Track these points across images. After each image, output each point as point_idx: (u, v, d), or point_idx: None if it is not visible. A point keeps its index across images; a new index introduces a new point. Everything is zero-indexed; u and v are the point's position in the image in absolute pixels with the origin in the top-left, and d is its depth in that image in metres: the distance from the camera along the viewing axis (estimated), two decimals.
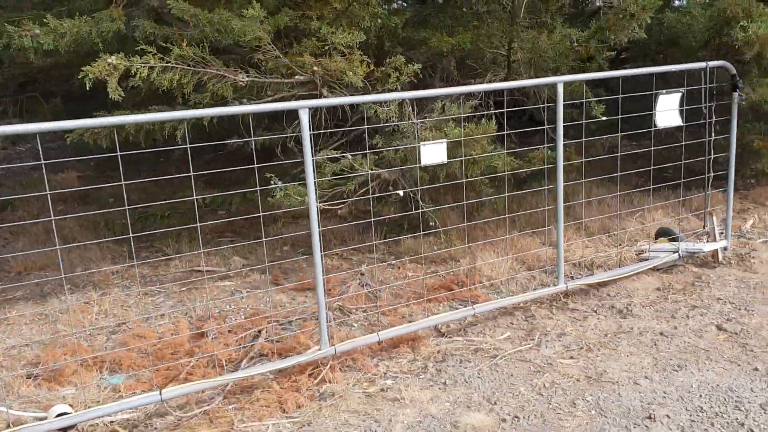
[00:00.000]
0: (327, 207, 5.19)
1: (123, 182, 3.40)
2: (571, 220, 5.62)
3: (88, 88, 3.69)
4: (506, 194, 4.72)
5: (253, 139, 4.19)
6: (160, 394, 3.45)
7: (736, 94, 4.93)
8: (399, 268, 5.40)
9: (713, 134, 5.10)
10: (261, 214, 3.95)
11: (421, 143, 3.87)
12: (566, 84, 4.70)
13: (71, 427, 3.35)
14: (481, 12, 5.16)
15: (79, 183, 8.22)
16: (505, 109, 4.24)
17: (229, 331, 4.65)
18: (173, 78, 3.97)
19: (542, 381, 3.65)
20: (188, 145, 3.39)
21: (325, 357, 3.88)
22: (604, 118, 5.22)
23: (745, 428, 3.15)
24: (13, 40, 3.73)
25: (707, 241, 5.24)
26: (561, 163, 4.33)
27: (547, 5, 5.24)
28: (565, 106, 4.24)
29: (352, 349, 4.00)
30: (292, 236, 6.02)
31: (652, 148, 5.14)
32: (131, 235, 3.71)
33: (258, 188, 3.95)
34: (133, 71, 3.86)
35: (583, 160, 4.76)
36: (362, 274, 5.27)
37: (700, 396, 3.43)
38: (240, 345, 4.32)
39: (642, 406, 3.37)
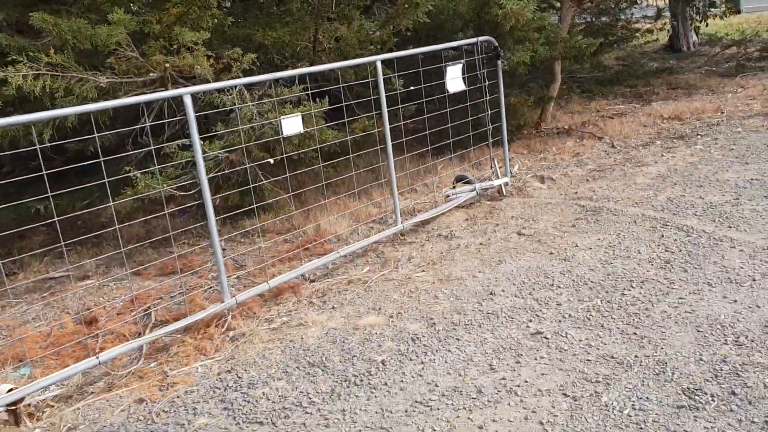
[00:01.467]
0: (177, 193, 5.69)
1: None
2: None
3: None
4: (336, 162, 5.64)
5: (97, 135, 4.61)
6: (98, 357, 3.87)
7: (499, 61, 6.36)
8: (250, 243, 6.07)
9: (487, 95, 6.49)
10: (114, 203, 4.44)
11: (281, 117, 4.63)
12: (370, 64, 5.72)
13: (20, 400, 3.64)
14: (293, 9, 6.01)
15: None
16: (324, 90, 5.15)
17: (117, 314, 5.03)
18: (45, 84, 4.28)
19: (408, 289, 4.66)
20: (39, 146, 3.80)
21: (228, 308, 4.51)
22: (402, 90, 6.34)
23: (554, 286, 4.42)
24: None
25: (494, 180, 6.64)
26: (387, 126, 5.36)
27: (346, 0, 6.23)
28: (362, 84, 5.23)
29: (246, 300, 4.66)
30: (140, 228, 6.39)
31: (448, 110, 6.39)
32: None
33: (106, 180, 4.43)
34: (9, 80, 4.11)
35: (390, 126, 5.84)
36: (224, 249, 5.86)
37: (520, 275, 4.67)
38: (135, 322, 4.75)
39: (483, 288, 4.52)
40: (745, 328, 3.61)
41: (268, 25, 5.86)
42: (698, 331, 3.66)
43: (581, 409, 3.12)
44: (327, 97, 5.58)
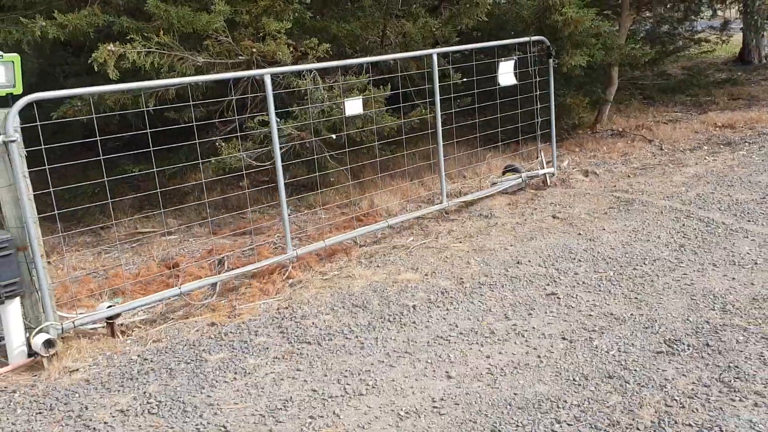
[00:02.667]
0: (258, 166, 6.48)
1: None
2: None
3: (96, 70, 4.78)
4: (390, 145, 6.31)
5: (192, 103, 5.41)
6: (179, 288, 4.67)
7: (551, 60, 6.90)
8: (312, 213, 6.82)
9: (537, 91, 7.04)
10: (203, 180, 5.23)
11: (345, 99, 5.34)
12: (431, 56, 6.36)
13: (117, 315, 4.47)
14: (365, 5, 6.73)
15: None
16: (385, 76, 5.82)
17: (195, 261, 5.86)
18: (153, 60, 5.13)
19: (444, 255, 5.30)
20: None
21: (288, 259, 5.26)
22: (457, 81, 6.95)
23: (575, 260, 4.97)
24: (26, 31, 4.69)
25: (539, 170, 7.19)
26: (438, 114, 5.97)
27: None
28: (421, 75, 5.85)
29: (305, 255, 5.40)
30: (217, 198, 7.24)
31: (498, 101, 6.97)
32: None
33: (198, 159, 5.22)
34: (127, 55, 4.97)
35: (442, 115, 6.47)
36: (289, 213, 6.63)
37: (547, 250, 5.24)
38: (211, 267, 5.56)
39: (512, 258, 5.12)
40: (735, 299, 4.09)
41: (343, 19, 6.59)
42: (692, 298, 4.16)
43: (575, 349, 3.69)
44: (389, 85, 6.25)
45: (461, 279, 4.80)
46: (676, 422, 2.99)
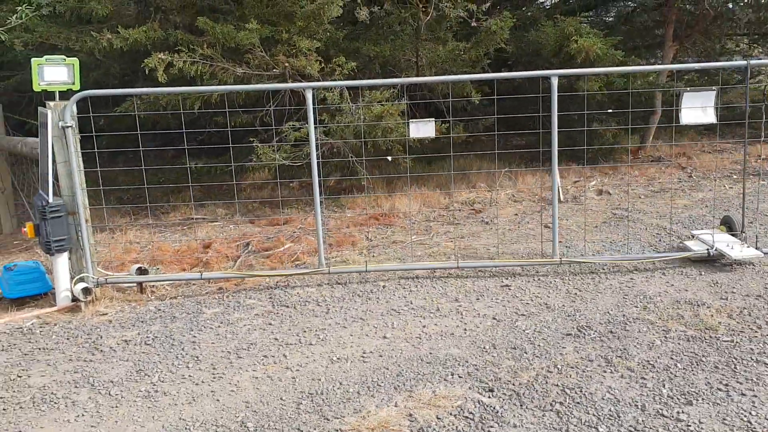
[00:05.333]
0: (292, 164, 7.40)
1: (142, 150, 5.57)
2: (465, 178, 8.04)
3: (146, 72, 5.87)
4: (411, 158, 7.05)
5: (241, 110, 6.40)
6: (201, 274, 5.58)
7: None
8: (341, 213, 7.66)
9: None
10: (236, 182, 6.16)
11: (411, 120, 5.59)
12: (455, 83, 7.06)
13: (145, 271, 5.45)
14: (396, 30, 7.55)
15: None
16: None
17: (227, 243, 6.82)
18: (198, 69, 6.16)
19: (433, 250, 5.99)
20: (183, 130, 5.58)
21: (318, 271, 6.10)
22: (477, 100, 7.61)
23: (543, 266, 5.53)
24: (98, 42, 5.86)
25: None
26: (555, 141, 5.20)
27: (440, 25, 7.65)
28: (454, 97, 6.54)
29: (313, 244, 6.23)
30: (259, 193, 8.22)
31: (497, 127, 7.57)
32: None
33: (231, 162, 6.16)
34: (174, 63, 6.03)
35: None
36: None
37: (522, 252, 5.82)
38: (238, 248, 6.49)
39: (485, 252, 5.74)
40: (660, 300, 4.57)
41: (373, 42, 7.44)
42: (624, 297, 4.67)
43: (498, 325, 4.32)
44: (426, 106, 7.03)
45: (434, 270, 5.47)
46: (546, 382, 3.58)
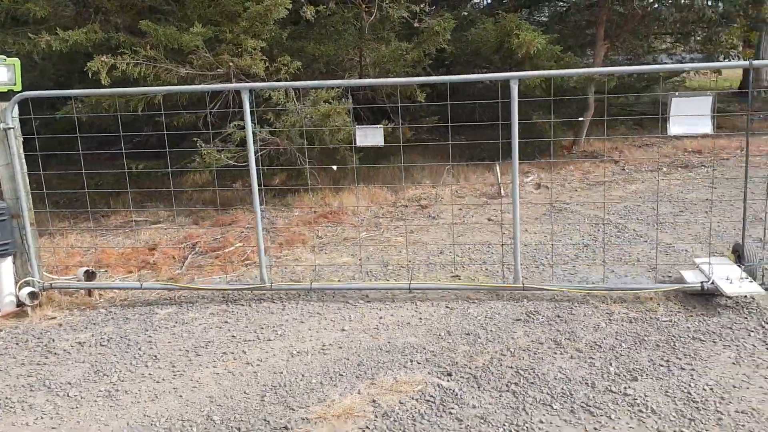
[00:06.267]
0: (237, 164, 7.38)
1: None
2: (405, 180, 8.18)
3: (90, 76, 5.77)
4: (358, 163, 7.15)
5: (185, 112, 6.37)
6: (141, 284, 5.51)
7: None
8: (288, 213, 7.69)
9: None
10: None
11: (357, 126, 4.84)
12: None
13: (93, 278, 5.36)
14: (340, 29, 7.63)
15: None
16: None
17: (173, 245, 6.76)
18: (141, 70, 6.09)
19: (384, 245, 6.10)
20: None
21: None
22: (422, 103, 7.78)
23: (489, 254, 5.71)
24: (36, 44, 5.71)
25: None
26: (516, 141, 4.62)
27: (383, 26, 7.77)
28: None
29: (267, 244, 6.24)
30: (202, 191, 8.17)
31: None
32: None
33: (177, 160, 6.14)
34: (117, 66, 5.94)
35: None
36: (262, 210, 7.51)
37: (470, 245, 6.00)
38: (184, 251, 6.45)
39: (437, 249, 5.89)
40: (607, 287, 4.81)
41: (317, 41, 7.50)
42: (570, 284, 4.89)
43: (451, 314, 4.46)
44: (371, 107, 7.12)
45: (386, 264, 5.59)
46: (501, 365, 3.73)
